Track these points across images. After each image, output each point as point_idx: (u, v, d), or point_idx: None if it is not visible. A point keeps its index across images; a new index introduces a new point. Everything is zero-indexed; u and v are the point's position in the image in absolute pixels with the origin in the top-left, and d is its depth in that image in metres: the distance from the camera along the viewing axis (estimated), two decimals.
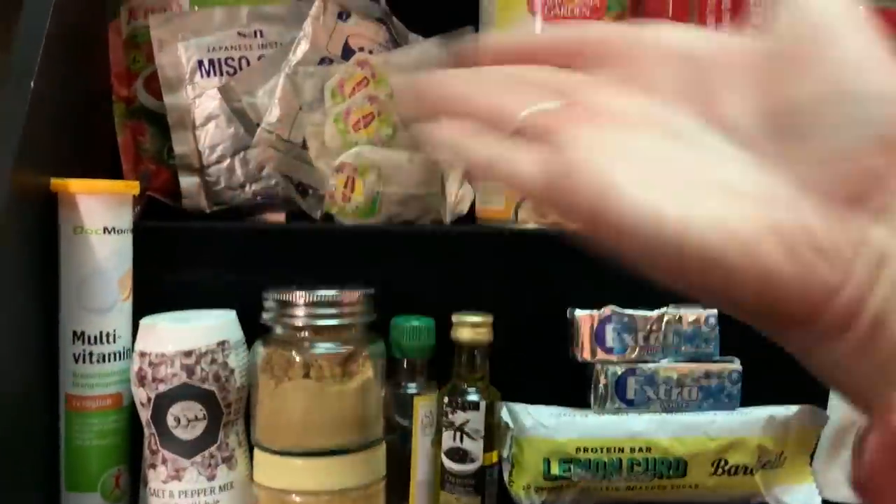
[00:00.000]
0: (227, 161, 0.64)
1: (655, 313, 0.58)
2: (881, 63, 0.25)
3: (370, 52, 0.64)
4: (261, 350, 0.50)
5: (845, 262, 0.24)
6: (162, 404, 0.49)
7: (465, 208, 0.65)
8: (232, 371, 0.50)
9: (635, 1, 0.63)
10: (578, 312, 0.58)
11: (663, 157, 0.26)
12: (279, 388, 0.49)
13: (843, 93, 0.25)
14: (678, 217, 0.25)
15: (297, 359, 0.49)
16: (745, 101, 0.27)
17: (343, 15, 0.64)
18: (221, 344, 0.50)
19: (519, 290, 0.61)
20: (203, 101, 0.63)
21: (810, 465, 0.60)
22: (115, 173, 0.64)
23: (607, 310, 0.58)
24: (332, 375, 0.49)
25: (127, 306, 0.53)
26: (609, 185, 0.25)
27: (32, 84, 0.51)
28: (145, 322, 0.51)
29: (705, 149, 0.27)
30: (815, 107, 0.25)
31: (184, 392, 0.49)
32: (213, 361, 0.50)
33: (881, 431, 0.23)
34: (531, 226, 0.61)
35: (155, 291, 0.55)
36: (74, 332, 0.51)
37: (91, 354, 0.52)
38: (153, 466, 0.51)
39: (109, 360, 0.52)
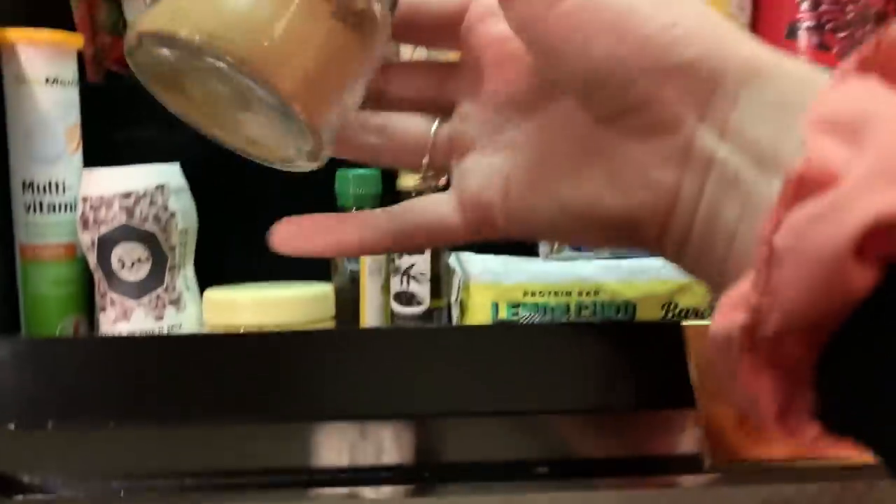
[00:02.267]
0: None
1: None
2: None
3: None
4: None
5: (671, 182, 0.26)
6: (105, 246, 0.51)
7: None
8: (173, 214, 0.52)
9: None
10: None
11: None
12: None
13: (619, 42, 0.25)
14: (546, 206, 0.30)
15: None
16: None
17: None
18: (160, 187, 0.51)
19: None
20: None
21: None
22: None
23: None
24: None
25: (76, 158, 0.55)
26: None
27: None
28: (87, 170, 0.52)
29: None
30: (598, 72, 0.26)
31: (125, 233, 0.50)
32: (153, 203, 0.51)
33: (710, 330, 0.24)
34: None
35: (109, 149, 0.57)
36: (24, 182, 0.53)
37: (41, 204, 0.53)
38: (103, 309, 0.53)
39: (60, 211, 0.53)
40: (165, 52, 0.25)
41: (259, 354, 0.37)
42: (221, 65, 0.23)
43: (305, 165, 0.26)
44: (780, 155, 0.22)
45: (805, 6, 0.60)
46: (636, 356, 0.38)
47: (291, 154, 0.26)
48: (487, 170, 0.31)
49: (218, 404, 0.35)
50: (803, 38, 0.60)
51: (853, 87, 0.21)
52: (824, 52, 0.60)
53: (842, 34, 0.60)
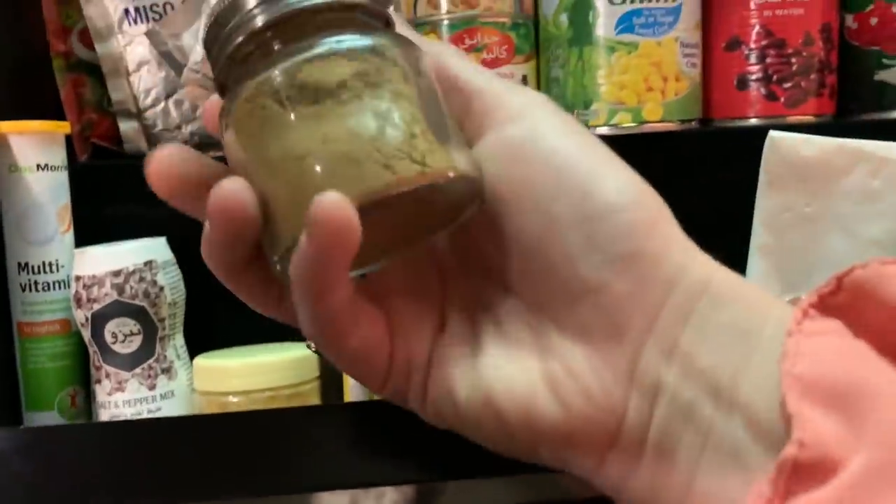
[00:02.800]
0: (162, 104, 0.67)
1: None
2: (600, 165, 0.23)
3: None
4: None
5: (616, 401, 0.23)
6: (98, 322, 0.54)
7: None
8: (161, 288, 0.54)
9: None
10: None
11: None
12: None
13: (570, 216, 0.23)
14: (467, 397, 0.25)
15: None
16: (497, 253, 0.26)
17: None
18: (148, 263, 0.54)
19: None
20: (133, 47, 0.67)
21: None
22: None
23: None
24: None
25: (67, 238, 0.57)
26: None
27: None
28: (78, 250, 0.55)
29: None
30: (548, 238, 0.23)
31: (116, 309, 0.53)
32: (142, 279, 0.54)
33: None
34: None
35: (96, 227, 0.60)
36: (19, 264, 0.56)
37: (36, 283, 0.56)
38: (98, 381, 0.55)
39: (54, 289, 0.56)
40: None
41: (249, 433, 0.40)
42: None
43: (476, 205, 0.26)
44: (738, 390, 0.21)
45: (753, 59, 0.64)
46: None
47: (462, 210, 0.26)
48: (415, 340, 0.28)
49: (210, 482, 0.37)
50: (753, 88, 0.64)
51: (828, 340, 0.20)
52: (773, 101, 0.64)
53: (788, 84, 0.64)
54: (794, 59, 0.63)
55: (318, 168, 0.24)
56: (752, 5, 0.63)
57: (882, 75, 0.67)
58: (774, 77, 0.64)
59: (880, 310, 0.20)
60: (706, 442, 0.21)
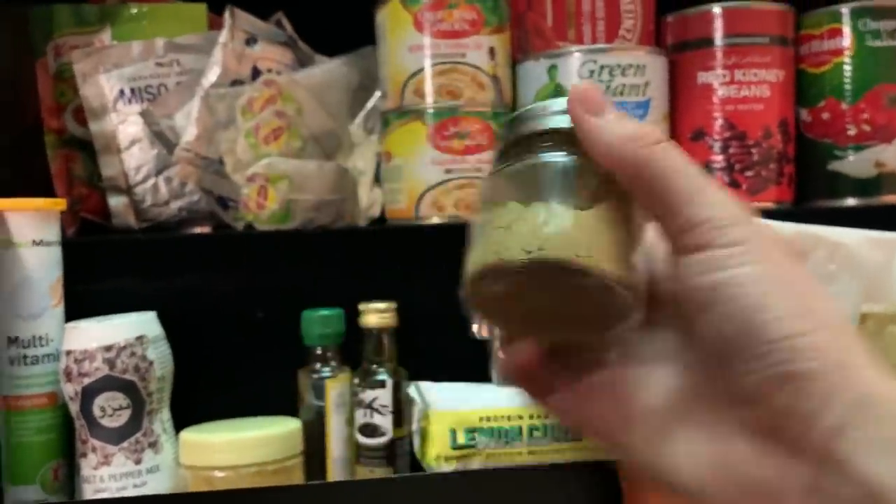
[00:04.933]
0: (152, 180, 0.69)
1: None
2: (779, 294, 0.25)
3: (277, 72, 0.70)
4: None
5: (776, 498, 0.24)
6: (88, 396, 0.54)
7: (377, 212, 0.71)
8: (151, 363, 0.56)
9: (516, 15, 0.70)
10: None
11: None
12: None
13: (744, 334, 0.25)
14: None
15: None
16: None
17: (250, 41, 0.70)
18: (140, 338, 0.55)
19: (424, 278, 0.67)
20: (126, 126, 0.69)
21: None
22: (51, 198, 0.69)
23: None
24: None
25: (58, 312, 0.58)
26: None
27: None
28: (69, 324, 0.56)
29: None
30: (726, 350, 0.25)
31: (107, 383, 0.54)
32: (133, 354, 0.55)
33: None
34: (431, 220, 0.66)
35: (86, 300, 0.61)
36: (9, 338, 0.56)
37: (25, 357, 0.56)
38: (84, 455, 0.56)
39: (43, 362, 0.57)
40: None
41: None
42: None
43: (628, 325, 0.29)
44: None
45: (716, 149, 0.68)
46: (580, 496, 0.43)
47: (613, 321, 0.29)
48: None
49: None
50: (716, 177, 0.68)
51: None
52: (735, 188, 0.68)
53: (749, 173, 0.68)
54: (754, 150, 0.68)
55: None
56: (716, 100, 0.68)
57: (834, 165, 0.71)
58: (737, 166, 0.68)
59: None
60: None
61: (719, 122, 0.68)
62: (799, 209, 0.71)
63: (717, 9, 0.68)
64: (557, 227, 0.27)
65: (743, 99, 0.68)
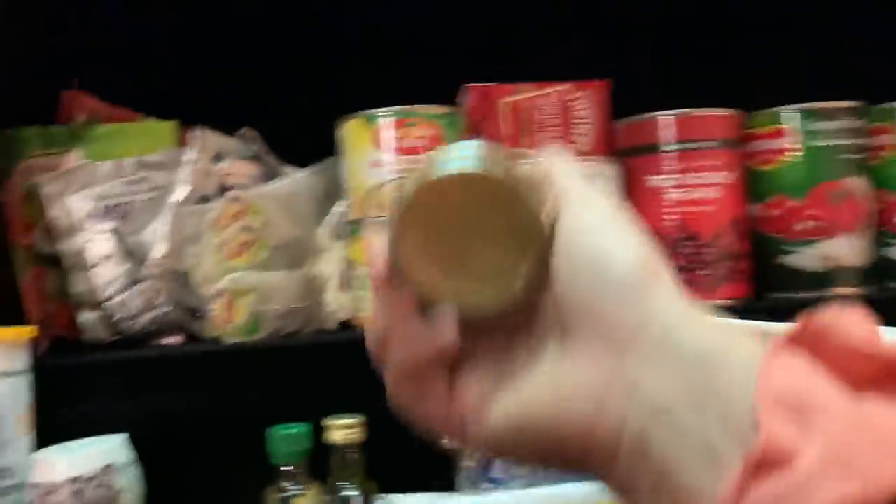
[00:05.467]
0: (123, 295, 0.71)
1: None
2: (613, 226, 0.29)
3: (245, 185, 0.72)
4: None
5: (598, 398, 0.27)
6: None
7: (344, 315, 0.72)
8: (118, 493, 0.56)
9: (472, 123, 0.73)
10: None
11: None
12: None
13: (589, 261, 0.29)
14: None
15: None
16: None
17: (218, 157, 0.72)
18: (107, 468, 0.56)
19: None
20: (95, 243, 0.70)
21: None
22: (21, 316, 0.70)
23: None
24: None
25: (25, 441, 0.59)
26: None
27: None
28: (37, 456, 0.57)
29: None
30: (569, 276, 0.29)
31: None
32: (100, 485, 0.55)
33: None
34: None
35: (57, 424, 0.61)
36: None
37: None
38: None
39: (10, 493, 0.57)
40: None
41: None
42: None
43: (493, 306, 0.31)
44: (716, 397, 0.25)
45: (669, 251, 0.70)
46: None
47: (491, 291, 0.31)
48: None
49: None
50: None
51: (791, 366, 0.24)
52: (691, 286, 0.70)
53: (704, 272, 0.70)
54: (706, 251, 0.70)
55: None
56: (667, 203, 0.70)
57: (786, 259, 0.74)
58: (691, 266, 0.70)
59: (837, 348, 0.25)
60: (680, 440, 0.26)
61: (671, 225, 0.70)
62: (756, 304, 0.73)
63: (668, 116, 0.71)
64: (473, 149, 0.30)
65: (694, 201, 0.70)
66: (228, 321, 0.67)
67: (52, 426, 0.61)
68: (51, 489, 0.55)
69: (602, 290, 0.28)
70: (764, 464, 0.22)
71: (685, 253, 0.70)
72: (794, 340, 0.25)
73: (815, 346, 0.25)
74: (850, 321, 0.25)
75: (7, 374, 0.58)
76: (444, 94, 0.72)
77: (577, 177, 0.32)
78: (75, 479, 0.55)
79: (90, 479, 0.55)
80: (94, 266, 0.71)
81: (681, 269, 0.70)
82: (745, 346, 0.26)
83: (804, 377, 0.24)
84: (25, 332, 0.60)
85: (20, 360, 0.59)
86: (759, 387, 0.24)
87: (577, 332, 0.29)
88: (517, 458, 0.31)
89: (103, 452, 0.57)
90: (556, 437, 0.29)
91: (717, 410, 0.25)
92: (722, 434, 0.25)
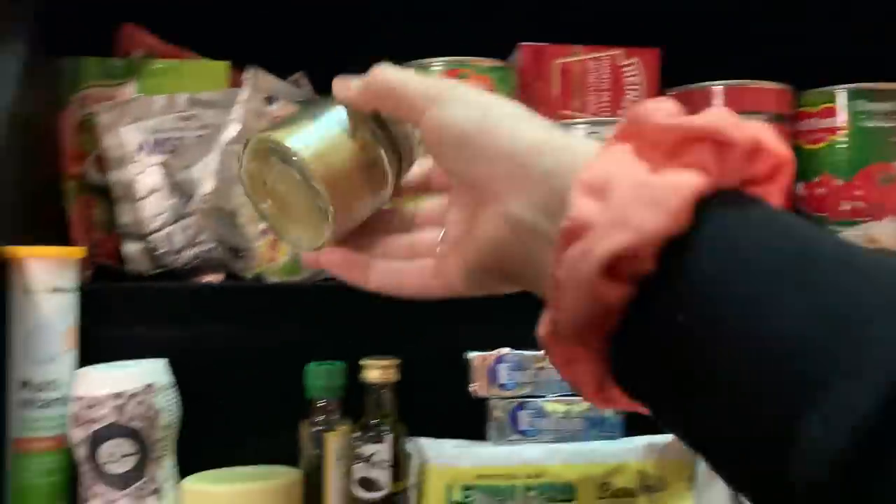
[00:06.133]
0: (168, 229, 0.72)
1: (543, 352, 0.65)
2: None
3: None
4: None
5: (505, 229, 0.32)
6: (95, 442, 0.56)
7: None
8: (158, 411, 0.57)
9: (524, 83, 0.73)
10: (473, 354, 0.65)
11: None
12: None
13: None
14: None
15: None
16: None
17: (270, 100, 0.73)
18: (148, 387, 0.57)
19: (424, 336, 0.69)
20: (145, 176, 0.71)
21: (690, 490, 0.67)
22: (67, 243, 0.72)
23: (500, 351, 0.65)
24: None
25: (70, 357, 0.60)
26: None
27: None
28: (81, 370, 0.58)
29: None
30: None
31: (114, 430, 0.56)
32: (141, 402, 0.56)
33: None
34: None
35: (99, 346, 0.63)
36: (22, 382, 0.58)
37: (36, 401, 0.58)
38: (87, 500, 0.57)
39: (53, 406, 0.59)
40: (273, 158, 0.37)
41: None
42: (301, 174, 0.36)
43: (310, 246, 0.37)
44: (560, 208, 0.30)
45: None
46: None
47: (305, 238, 0.37)
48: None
49: None
50: None
51: (609, 155, 0.28)
52: None
53: None
54: None
55: None
56: None
57: None
58: None
59: (647, 131, 0.29)
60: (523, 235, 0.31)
61: None
62: None
63: (718, 86, 0.71)
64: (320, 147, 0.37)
65: None
66: (272, 260, 0.68)
67: (93, 348, 0.62)
68: (94, 402, 0.56)
69: (465, 159, 0.33)
70: (571, 234, 0.27)
71: None
72: (619, 134, 0.29)
73: (631, 134, 0.29)
74: (660, 106, 0.29)
75: (55, 291, 0.59)
76: (495, 50, 0.73)
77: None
78: (118, 395, 0.56)
79: (132, 395, 0.56)
80: (141, 198, 0.72)
81: None
82: (583, 144, 0.31)
83: (615, 162, 0.28)
84: (75, 251, 0.61)
85: (68, 279, 0.60)
86: (578, 175, 0.28)
87: (471, 195, 0.34)
88: (489, 289, 0.35)
89: (145, 372, 0.58)
90: (502, 267, 0.33)
91: (541, 197, 0.30)
92: (545, 219, 0.30)
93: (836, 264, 0.25)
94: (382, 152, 0.38)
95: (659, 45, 0.76)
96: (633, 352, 0.28)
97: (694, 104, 0.72)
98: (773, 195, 0.28)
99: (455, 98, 0.34)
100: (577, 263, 0.27)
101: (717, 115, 0.28)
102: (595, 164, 0.28)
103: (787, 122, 0.73)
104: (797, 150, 0.74)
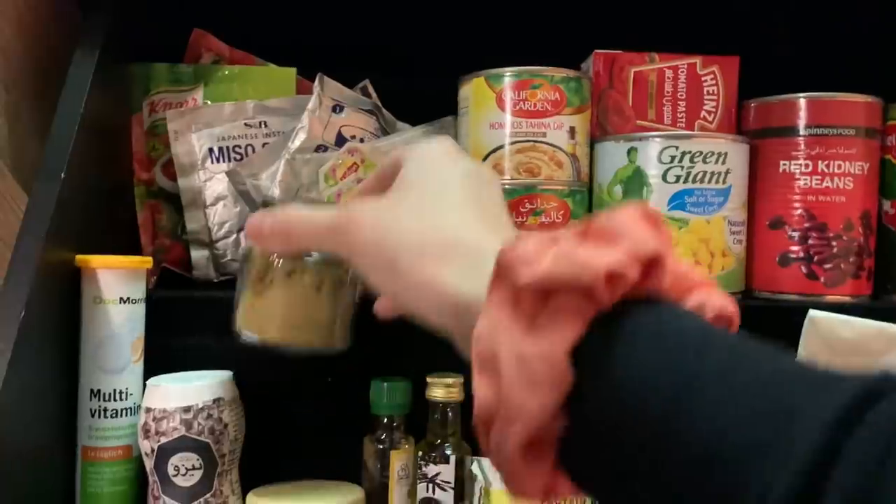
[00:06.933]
0: (234, 236, 0.72)
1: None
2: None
3: (361, 140, 0.72)
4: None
5: None
6: (164, 454, 0.56)
7: None
8: (226, 425, 0.57)
9: (596, 91, 0.71)
10: None
11: None
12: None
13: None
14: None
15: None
16: None
17: (337, 108, 0.72)
18: (217, 401, 0.57)
19: None
20: (213, 183, 0.71)
21: None
22: (134, 247, 0.72)
23: None
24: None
25: (138, 367, 0.60)
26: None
27: (63, 174, 0.59)
28: (151, 381, 0.58)
29: None
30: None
31: (182, 444, 0.56)
32: (209, 416, 0.56)
33: None
34: None
35: (165, 354, 0.63)
36: (91, 391, 0.59)
37: (105, 410, 0.58)
38: None
39: (121, 416, 0.59)
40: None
41: None
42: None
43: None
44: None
45: (795, 239, 0.67)
46: None
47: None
48: None
49: None
50: (794, 267, 0.67)
51: (491, 314, 0.29)
52: (813, 280, 0.67)
53: (828, 265, 0.67)
54: (834, 243, 0.67)
55: None
56: (797, 189, 0.67)
57: None
58: (815, 258, 0.67)
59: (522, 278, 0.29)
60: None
61: (799, 212, 0.67)
62: (877, 304, 0.70)
63: (802, 98, 0.67)
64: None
65: (825, 190, 0.67)
66: None
67: (158, 357, 0.62)
68: (164, 415, 0.56)
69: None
70: (482, 422, 0.30)
71: (810, 244, 0.67)
72: (497, 276, 0.30)
73: (507, 280, 0.29)
74: (524, 256, 0.29)
75: (127, 301, 0.59)
76: (567, 58, 0.70)
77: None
78: (187, 409, 0.56)
79: (200, 409, 0.56)
80: (208, 205, 0.72)
81: (804, 260, 0.67)
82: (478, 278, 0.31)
83: (497, 324, 0.29)
84: (145, 261, 0.61)
85: (139, 289, 0.61)
86: (473, 348, 0.30)
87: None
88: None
89: (213, 386, 0.58)
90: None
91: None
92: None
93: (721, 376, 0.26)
94: (326, 269, 0.44)
95: (739, 53, 0.72)
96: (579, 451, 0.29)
97: (778, 116, 0.69)
98: (657, 281, 0.29)
99: (357, 232, 0.37)
100: (499, 447, 0.29)
101: (568, 258, 0.28)
102: (483, 329, 0.29)
103: (875, 136, 0.69)
104: (885, 164, 0.71)
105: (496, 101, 0.66)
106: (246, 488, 0.60)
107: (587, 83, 0.68)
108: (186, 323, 0.66)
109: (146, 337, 0.62)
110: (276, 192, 0.69)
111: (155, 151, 0.74)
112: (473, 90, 0.68)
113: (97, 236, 0.65)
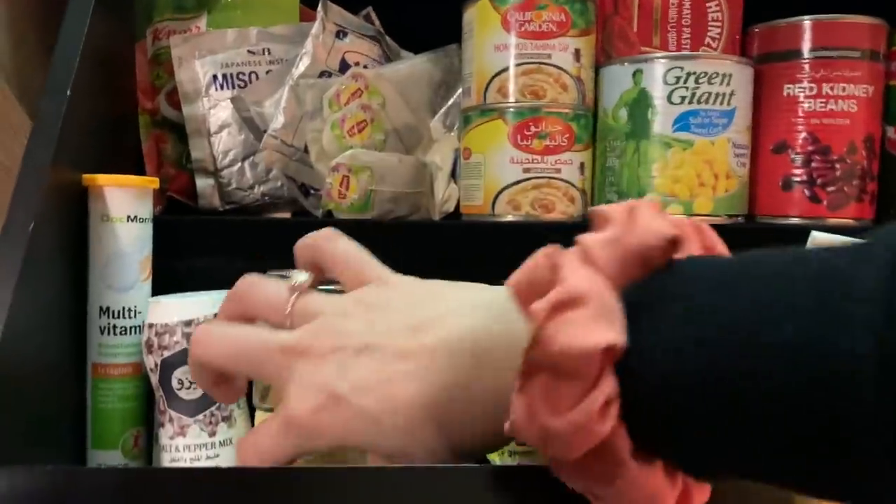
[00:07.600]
0: (239, 165, 0.72)
1: None
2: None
3: (364, 66, 0.72)
4: None
5: None
6: (167, 369, 0.57)
7: (451, 206, 0.72)
8: None
9: (602, 17, 0.70)
10: None
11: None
12: None
13: None
14: None
15: None
16: None
17: (341, 34, 0.72)
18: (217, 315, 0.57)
19: (497, 276, 0.68)
20: (217, 111, 0.71)
21: None
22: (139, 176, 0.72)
23: None
24: None
25: (146, 286, 0.61)
26: None
27: (68, 95, 0.59)
28: (153, 299, 0.58)
29: None
30: None
31: (185, 357, 0.56)
32: None
33: None
34: (506, 218, 0.67)
35: (171, 277, 0.63)
36: (100, 308, 0.59)
37: (114, 327, 0.59)
38: (162, 425, 0.58)
39: (130, 333, 0.60)
40: None
41: (305, 488, 0.42)
42: None
43: None
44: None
45: (798, 162, 0.67)
46: None
47: None
48: None
49: None
50: (797, 191, 0.67)
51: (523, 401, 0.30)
52: (816, 203, 0.67)
53: (831, 188, 0.67)
54: (838, 166, 0.67)
55: None
56: (801, 113, 0.67)
57: None
58: (818, 181, 0.67)
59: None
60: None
61: (803, 136, 0.67)
62: (880, 228, 0.70)
63: (807, 21, 0.67)
64: None
65: (829, 113, 0.67)
66: (343, 196, 0.68)
67: (164, 279, 0.63)
68: (165, 329, 0.57)
69: None
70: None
71: (813, 167, 0.67)
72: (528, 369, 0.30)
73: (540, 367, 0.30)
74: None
75: (134, 220, 0.60)
76: None
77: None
78: (188, 322, 0.57)
79: (202, 323, 0.57)
80: (213, 133, 0.72)
81: (807, 183, 0.67)
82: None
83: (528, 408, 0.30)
84: (152, 181, 0.61)
85: (146, 208, 0.61)
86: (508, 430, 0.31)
87: None
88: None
89: (215, 301, 0.58)
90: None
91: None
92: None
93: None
94: None
95: None
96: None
97: (782, 40, 0.68)
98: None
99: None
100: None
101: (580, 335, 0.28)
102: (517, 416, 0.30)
103: (880, 60, 0.69)
104: (889, 90, 0.70)
105: (501, 22, 0.66)
106: (250, 398, 0.61)
107: (592, 6, 0.68)
108: (190, 246, 0.66)
109: (153, 260, 0.62)
110: (280, 118, 0.69)
111: (159, 80, 0.74)
112: (478, 12, 0.67)
113: (103, 165, 0.66)
